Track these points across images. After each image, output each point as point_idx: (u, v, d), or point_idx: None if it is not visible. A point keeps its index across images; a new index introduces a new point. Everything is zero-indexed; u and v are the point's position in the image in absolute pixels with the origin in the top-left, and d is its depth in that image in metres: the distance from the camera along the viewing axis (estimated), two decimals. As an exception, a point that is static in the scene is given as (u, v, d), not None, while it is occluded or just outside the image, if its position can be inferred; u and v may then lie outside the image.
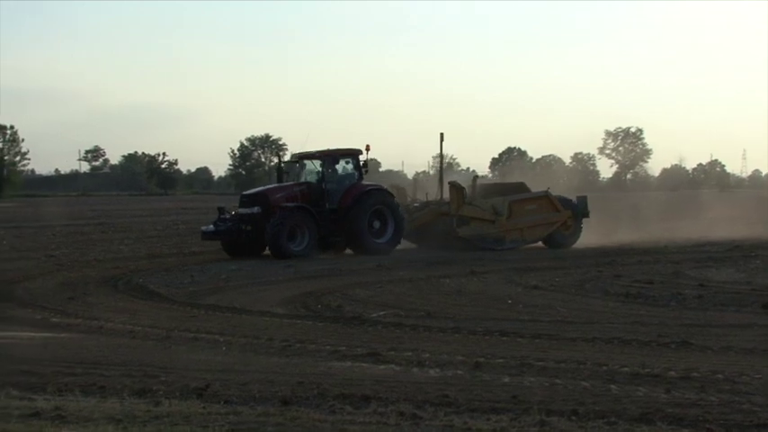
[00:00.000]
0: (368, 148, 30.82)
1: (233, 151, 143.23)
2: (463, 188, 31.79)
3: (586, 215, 33.54)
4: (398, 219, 30.40)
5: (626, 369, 11.08)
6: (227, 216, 29.56)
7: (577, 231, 33.33)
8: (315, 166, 30.73)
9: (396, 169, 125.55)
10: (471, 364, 11.48)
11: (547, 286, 20.81)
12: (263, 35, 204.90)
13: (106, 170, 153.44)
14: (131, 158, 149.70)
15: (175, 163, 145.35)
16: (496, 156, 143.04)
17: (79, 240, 36.63)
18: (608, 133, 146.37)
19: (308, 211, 28.90)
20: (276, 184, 31.25)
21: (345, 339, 13.95)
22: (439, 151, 34.75)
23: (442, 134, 33.36)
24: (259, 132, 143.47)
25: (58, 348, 13.29)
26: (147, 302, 19.14)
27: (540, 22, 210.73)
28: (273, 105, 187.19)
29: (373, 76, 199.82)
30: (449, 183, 32.31)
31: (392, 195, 30.98)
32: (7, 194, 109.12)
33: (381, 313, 16.84)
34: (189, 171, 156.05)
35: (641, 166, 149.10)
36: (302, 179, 30.79)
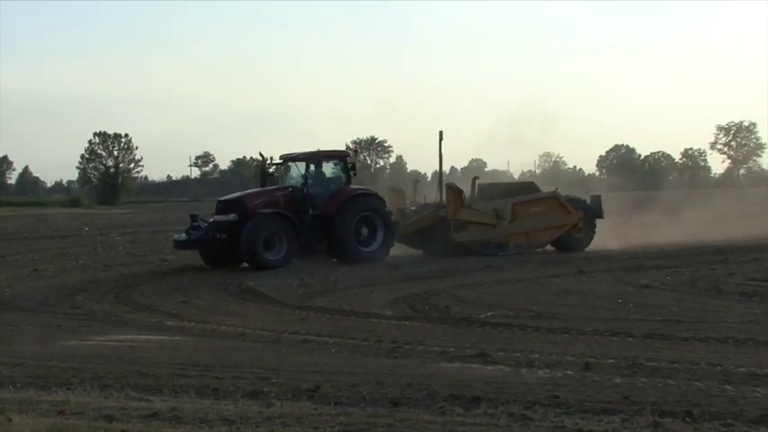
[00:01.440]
0: (356, 151, 29.38)
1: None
2: (461, 190, 29.81)
3: (600, 216, 31.29)
4: (389, 226, 28.17)
5: (742, 369, 10.82)
6: (200, 224, 27.63)
7: (590, 234, 30.98)
8: (299, 169, 28.34)
9: (501, 169, 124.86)
10: (581, 365, 11.35)
11: (657, 285, 20.43)
12: (368, 36, 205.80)
13: (216, 175, 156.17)
14: (240, 163, 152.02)
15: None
16: (603, 153, 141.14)
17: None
18: (719, 128, 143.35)
19: (286, 218, 26.73)
20: (255, 189, 29.26)
21: (454, 340, 13.92)
22: (438, 151, 31.82)
23: (440, 132, 31.37)
24: (365, 135, 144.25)
25: (173, 351, 13.58)
26: (257, 305, 19.41)
27: (648, 17, 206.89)
28: (376, 107, 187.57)
29: (473, 74, 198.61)
30: (445, 185, 30.42)
31: (382, 200, 28.78)
32: (122, 200, 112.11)
33: (489, 314, 16.77)
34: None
35: (755, 160, 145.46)
36: (287, 183, 28.71)
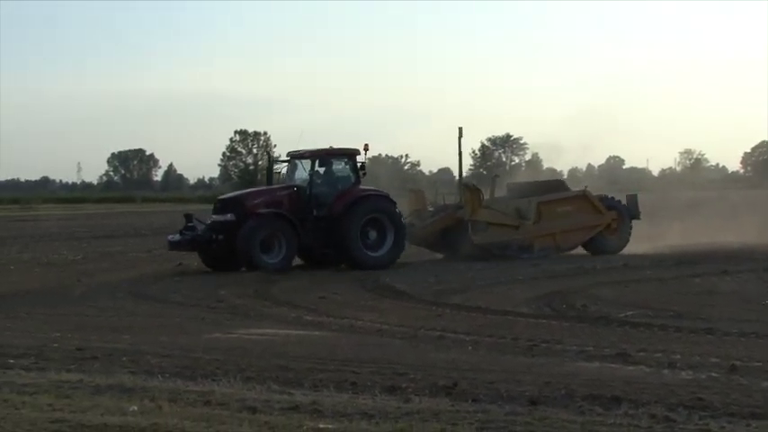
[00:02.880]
0: (366, 148, 27.31)
1: (474, 151, 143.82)
2: (479, 190, 28.10)
3: (636, 217, 29.55)
4: (399, 229, 26.30)
5: None
6: (195, 224, 26.10)
7: (625, 235, 29.19)
8: (305, 166, 26.85)
9: (640, 166, 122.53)
10: (726, 367, 11.04)
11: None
12: (502, 34, 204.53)
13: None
14: (375, 160, 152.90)
15: (417, 164, 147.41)
16: (748, 150, 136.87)
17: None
18: None
19: (285, 219, 25.14)
20: (257, 188, 28.16)
21: (592, 339, 13.73)
22: (458, 148, 30.20)
23: (460, 129, 29.86)
24: (500, 132, 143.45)
25: (312, 345, 13.75)
26: (394, 301, 19.51)
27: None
28: (515, 104, 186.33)
29: (616, 68, 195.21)
30: (463, 184, 28.87)
31: (393, 202, 26.78)
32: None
33: (629, 313, 16.49)
34: (431, 172, 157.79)
35: None
36: (293, 182, 27.06)
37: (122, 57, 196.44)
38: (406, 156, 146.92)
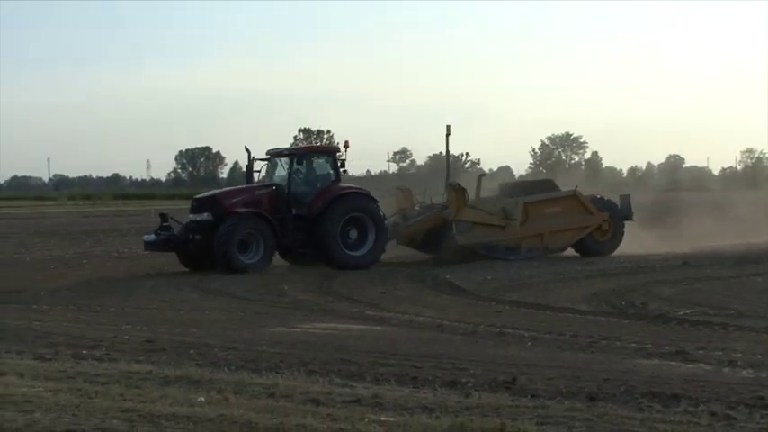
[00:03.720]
0: (346, 146, 26.36)
1: (534, 150, 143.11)
2: (464, 189, 26.59)
3: (629, 218, 28.39)
4: (381, 228, 25.35)
5: None
6: (170, 223, 25.17)
7: (617, 236, 27.97)
8: (285, 165, 25.89)
9: (701, 165, 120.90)
10: (788, 366, 10.87)
11: None
12: (558, 34, 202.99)
13: (412, 170, 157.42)
14: (436, 159, 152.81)
15: (478, 162, 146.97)
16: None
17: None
18: None
19: (263, 218, 24.23)
20: (235, 187, 27.07)
21: (651, 337, 13.58)
22: (446, 147, 29.79)
23: (448, 127, 29.02)
24: (559, 131, 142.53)
25: (373, 340, 13.79)
26: (454, 298, 19.48)
27: None
28: (574, 103, 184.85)
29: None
30: (447, 183, 27.43)
31: (374, 200, 25.82)
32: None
33: (688, 311, 16.29)
34: (491, 170, 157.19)
35: None
36: (273, 180, 26.01)
37: (190, 58, 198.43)
38: (467, 154, 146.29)
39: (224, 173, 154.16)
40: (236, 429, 7.28)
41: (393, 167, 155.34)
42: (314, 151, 26.65)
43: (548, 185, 28.94)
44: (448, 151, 30.67)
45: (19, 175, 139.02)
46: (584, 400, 8.97)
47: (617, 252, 28.32)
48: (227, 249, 23.47)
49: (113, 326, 15.27)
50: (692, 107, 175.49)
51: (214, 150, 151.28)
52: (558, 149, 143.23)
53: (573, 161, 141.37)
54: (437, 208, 27.15)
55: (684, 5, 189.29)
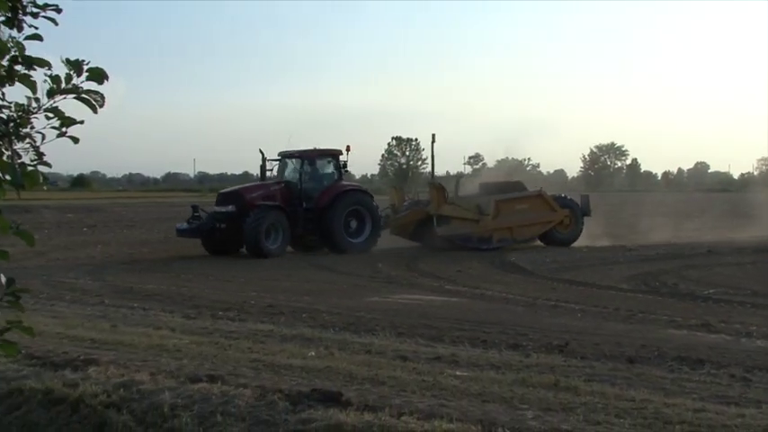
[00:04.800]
0: (348, 149, 25.43)
1: (584, 156, 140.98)
2: (444, 188, 26.09)
3: (587, 214, 27.18)
4: (376, 219, 24.92)
5: None
6: (200, 214, 24.44)
7: (577, 230, 26.83)
8: (295, 165, 25.27)
9: (723, 170, 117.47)
10: (796, 338, 10.52)
11: None
12: (614, 43, 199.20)
13: (484, 172, 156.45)
14: (503, 162, 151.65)
15: (538, 166, 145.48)
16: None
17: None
18: None
19: (283, 211, 23.66)
20: (253, 183, 26.04)
21: (680, 312, 13.28)
22: (431, 152, 28.33)
23: (433, 135, 27.93)
24: (606, 140, 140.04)
25: (451, 309, 13.76)
26: (517, 276, 19.33)
27: None
28: (617, 114, 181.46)
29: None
30: (429, 183, 26.76)
31: (370, 196, 25.44)
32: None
33: (712, 291, 15.89)
34: (548, 173, 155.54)
35: None
36: (283, 178, 25.27)
37: (303, 76, 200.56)
38: (528, 159, 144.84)
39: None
40: (339, 378, 7.32)
41: (468, 169, 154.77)
42: (321, 154, 25.48)
43: (518, 186, 27.70)
44: (433, 157, 29.61)
45: (171, 171, 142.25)
46: (624, 362, 8.82)
47: (653, 241, 27.78)
48: (256, 236, 22.84)
49: (242, 293, 15.51)
50: (716, 120, 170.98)
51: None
52: (604, 156, 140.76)
53: (616, 166, 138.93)
54: (421, 203, 26.50)
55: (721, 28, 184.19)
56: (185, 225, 24.41)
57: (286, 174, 25.46)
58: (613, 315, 13.04)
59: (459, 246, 24.97)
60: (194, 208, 24.82)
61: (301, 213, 24.12)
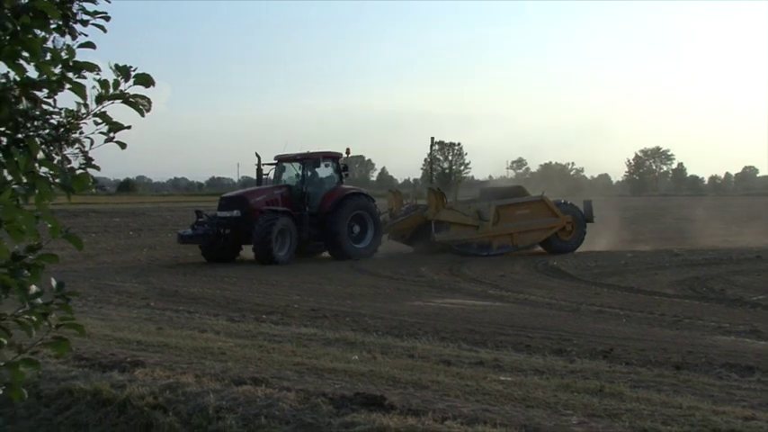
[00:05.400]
0: (348, 152, 24.52)
1: (629, 161, 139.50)
2: (443, 193, 25.34)
3: (590, 220, 26.16)
4: (378, 223, 24.24)
5: None
6: (204, 219, 23.12)
7: (580, 236, 25.86)
8: (294, 168, 24.35)
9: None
10: None
11: None
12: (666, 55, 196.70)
13: (527, 176, 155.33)
14: (547, 167, 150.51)
15: (582, 170, 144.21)
16: None
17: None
18: None
19: (291, 215, 22.74)
20: (255, 187, 24.48)
21: (728, 318, 13.07)
22: (429, 156, 27.77)
23: (432, 138, 27.60)
24: (651, 144, 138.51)
25: (494, 314, 13.67)
26: (560, 281, 19.16)
27: None
28: (664, 119, 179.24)
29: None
30: (427, 188, 25.97)
31: (372, 200, 24.57)
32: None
33: (760, 297, 15.58)
34: (592, 177, 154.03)
35: None
36: (281, 182, 24.36)
37: (350, 81, 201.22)
38: (572, 163, 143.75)
39: (374, 176, 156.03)
40: (382, 382, 7.32)
41: (510, 173, 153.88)
42: (322, 157, 24.40)
43: (519, 191, 26.96)
44: (431, 160, 28.21)
45: (215, 176, 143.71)
46: (670, 368, 8.70)
47: (700, 245, 27.34)
48: (268, 243, 21.83)
49: (286, 296, 15.60)
50: (765, 123, 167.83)
51: (366, 158, 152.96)
52: (649, 160, 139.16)
53: (661, 170, 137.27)
54: (420, 208, 25.81)
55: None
56: (189, 231, 23.33)
57: (284, 178, 24.60)
58: (659, 321, 12.86)
59: (458, 252, 24.35)
60: (198, 213, 23.62)
61: (307, 218, 23.25)
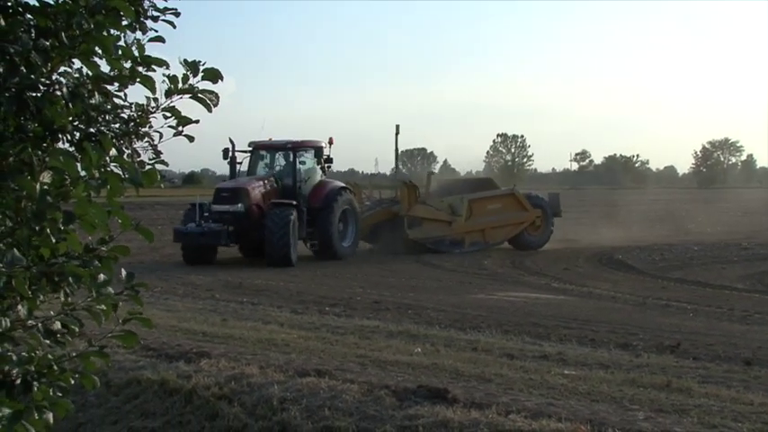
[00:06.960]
0: (330, 142, 21.80)
1: (696, 153, 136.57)
2: (416, 186, 23.41)
3: (558, 214, 24.82)
4: (358, 220, 21.83)
5: None
6: (207, 214, 20.09)
7: (547, 231, 24.48)
8: (278, 158, 21.88)
9: None
10: None
11: None
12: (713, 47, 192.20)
13: (591, 169, 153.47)
14: (611, 159, 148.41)
15: (647, 162, 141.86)
16: None
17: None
18: None
19: (299, 210, 20.18)
20: (249, 177, 21.34)
21: (801, 313, 12.72)
22: (395, 145, 25.42)
23: (397, 126, 25.40)
24: (719, 135, 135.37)
25: (558, 307, 13.55)
26: (625, 274, 18.90)
27: None
28: (732, 110, 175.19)
29: None
30: (400, 180, 24.16)
31: (354, 194, 22.27)
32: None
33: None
34: (658, 169, 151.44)
35: None
36: (257, 172, 21.73)
37: (427, 75, 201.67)
38: (637, 155, 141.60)
39: (436, 169, 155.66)
40: (445, 375, 7.30)
41: (574, 166, 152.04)
42: (302, 146, 21.76)
43: (488, 184, 25.90)
44: (397, 149, 26.45)
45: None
46: (740, 363, 8.51)
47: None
48: (287, 243, 19.44)
49: (349, 289, 15.65)
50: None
51: (428, 150, 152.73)
52: (717, 152, 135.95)
53: (730, 162, 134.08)
54: (386, 203, 24.03)
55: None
56: (193, 226, 20.01)
57: (259, 168, 21.99)
58: (727, 315, 12.59)
59: (430, 250, 22.74)
60: (201, 206, 20.30)
61: (305, 214, 20.66)
